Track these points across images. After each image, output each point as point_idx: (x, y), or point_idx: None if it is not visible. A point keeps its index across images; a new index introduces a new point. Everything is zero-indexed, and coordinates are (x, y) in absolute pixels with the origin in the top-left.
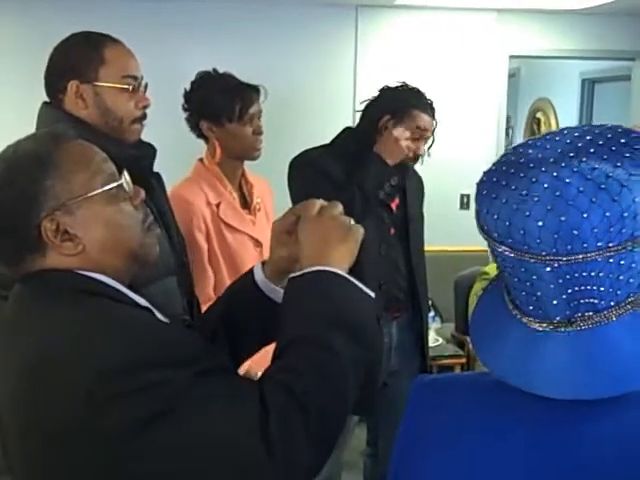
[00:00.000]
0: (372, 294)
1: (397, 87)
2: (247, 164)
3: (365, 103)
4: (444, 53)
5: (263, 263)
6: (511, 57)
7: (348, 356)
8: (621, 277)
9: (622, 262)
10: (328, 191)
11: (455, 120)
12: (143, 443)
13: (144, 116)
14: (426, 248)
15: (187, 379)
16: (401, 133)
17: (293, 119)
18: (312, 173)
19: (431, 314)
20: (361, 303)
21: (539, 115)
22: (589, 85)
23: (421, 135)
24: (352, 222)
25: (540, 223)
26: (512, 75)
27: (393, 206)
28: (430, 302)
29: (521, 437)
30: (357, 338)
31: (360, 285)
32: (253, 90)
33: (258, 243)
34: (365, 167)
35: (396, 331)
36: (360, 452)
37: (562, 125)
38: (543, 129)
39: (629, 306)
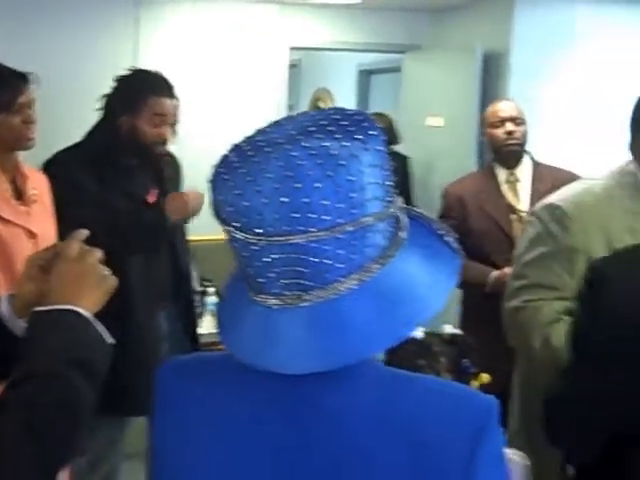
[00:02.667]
0: (110, 340)
1: (129, 76)
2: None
3: (104, 98)
4: (227, 44)
5: (12, 295)
6: (292, 49)
7: (82, 393)
8: (351, 251)
9: (352, 237)
10: (83, 210)
11: (236, 110)
12: None
13: None
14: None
15: None
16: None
17: (75, 109)
18: (65, 188)
19: None
20: (100, 347)
21: (320, 104)
22: (365, 76)
23: (162, 121)
24: (107, 273)
25: (266, 201)
26: (294, 66)
27: (150, 199)
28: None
29: (263, 416)
30: (91, 379)
31: (101, 330)
32: (21, 79)
33: (32, 234)
34: (128, 175)
35: (165, 321)
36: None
37: None
38: None
39: (360, 277)
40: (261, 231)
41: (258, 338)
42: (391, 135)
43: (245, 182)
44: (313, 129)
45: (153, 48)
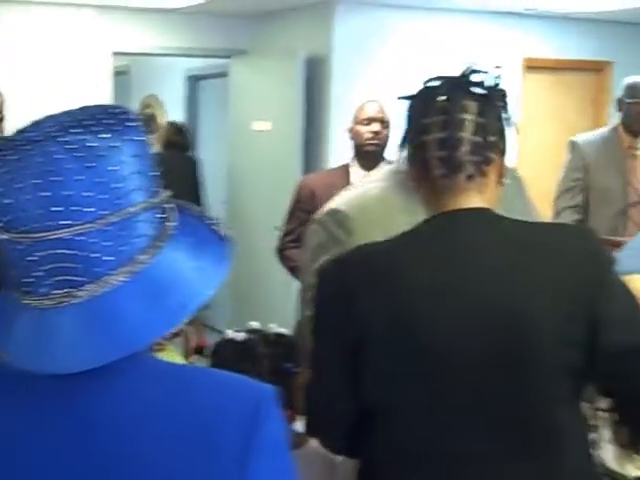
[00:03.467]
0: None
1: None
2: None
3: None
4: (47, 49)
5: None
6: (115, 54)
7: None
8: (119, 243)
9: (118, 228)
10: None
11: None
12: None
13: None
14: None
15: None
16: None
17: None
18: None
19: None
20: None
21: (149, 111)
22: (193, 81)
23: None
24: None
25: (29, 197)
26: (122, 72)
27: None
28: None
29: (37, 421)
30: None
31: None
32: None
33: None
34: None
35: None
36: None
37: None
38: (158, 124)
39: (130, 269)
40: (26, 228)
41: (32, 341)
42: (184, 141)
43: (6, 180)
44: (72, 126)
45: None
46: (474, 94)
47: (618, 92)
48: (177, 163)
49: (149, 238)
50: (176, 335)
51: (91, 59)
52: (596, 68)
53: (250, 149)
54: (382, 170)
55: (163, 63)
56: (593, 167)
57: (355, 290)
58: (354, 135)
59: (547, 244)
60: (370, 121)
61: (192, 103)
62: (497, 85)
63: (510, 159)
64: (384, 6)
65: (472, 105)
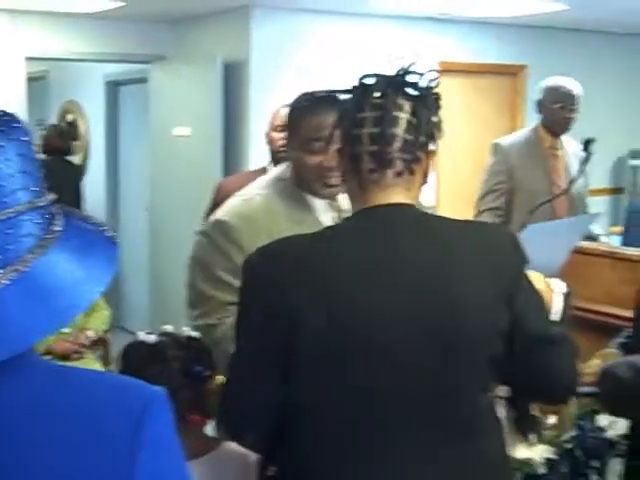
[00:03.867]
0: None
1: None
2: None
3: None
4: None
5: None
6: (29, 59)
7: None
8: (6, 242)
9: (5, 227)
10: None
11: None
12: None
13: None
14: None
15: None
16: None
17: None
18: None
19: None
20: None
21: (69, 117)
22: (113, 87)
23: None
24: None
25: None
26: (41, 78)
27: None
28: None
29: None
30: None
31: None
32: None
33: None
34: None
35: None
36: None
37: (93, 127)
38: (79, 131)
39: (17, 268)
40: None
41: None
42: (66, 146)
43: None
44: None
45: None
46: (408, 94)
47: (533, 94)
48: (58, 167)
49: (35, 238)
50: (96, 343)
51: (3, 64)
52: (511, 71)
53: (171, 155)
54: (265, 177)
55: (83, 68)
56: (518, 169)
57: (283, 282)
58: (269, 141)
59: (471, 240)
60: (284, 127)
61: (112, 109)
62: (430, 88)
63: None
64: (301, 10)
65: (406, 104)
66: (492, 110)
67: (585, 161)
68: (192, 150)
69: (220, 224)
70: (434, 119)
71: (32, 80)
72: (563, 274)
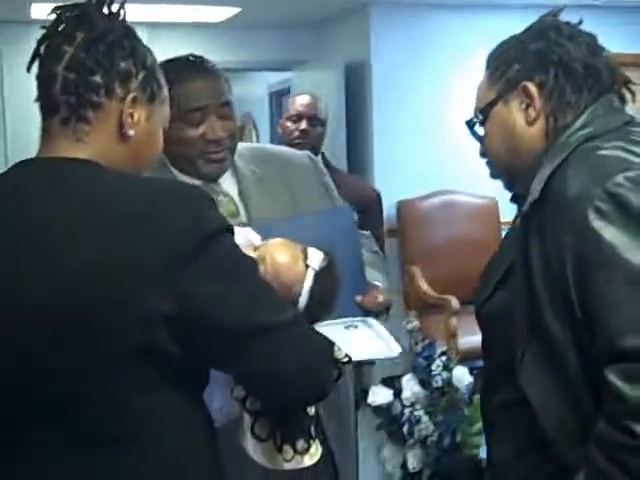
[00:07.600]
0: None
1: None
2: None
3: None
4: None
5: None
6: None
7: None
8: None
9: None
10: None
11: None
12: None
13: None
14: None
15: None
16: None
17: None
18: None
19: None
20: None
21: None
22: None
23: None
24: None
25: None
26: None
27: None
28: None
29: None
30: None
31: None
32: None
33: None
34: None
35: None
36: None
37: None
38: None
39: None
40: None
41: None
42: None
43: None
44: None
45: None
46: (96, 25)
47: None
48: None
49: None
50: None
51: None
52: None
53: None
54: None
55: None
56: None
57: None
58: (282, 130)
59: (136, 208)
60: (299, 117)
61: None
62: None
63: None
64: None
65: (81, 36)
66: None
67: None
68: None
69: None
70: (125, 61)
71: None
72: None
